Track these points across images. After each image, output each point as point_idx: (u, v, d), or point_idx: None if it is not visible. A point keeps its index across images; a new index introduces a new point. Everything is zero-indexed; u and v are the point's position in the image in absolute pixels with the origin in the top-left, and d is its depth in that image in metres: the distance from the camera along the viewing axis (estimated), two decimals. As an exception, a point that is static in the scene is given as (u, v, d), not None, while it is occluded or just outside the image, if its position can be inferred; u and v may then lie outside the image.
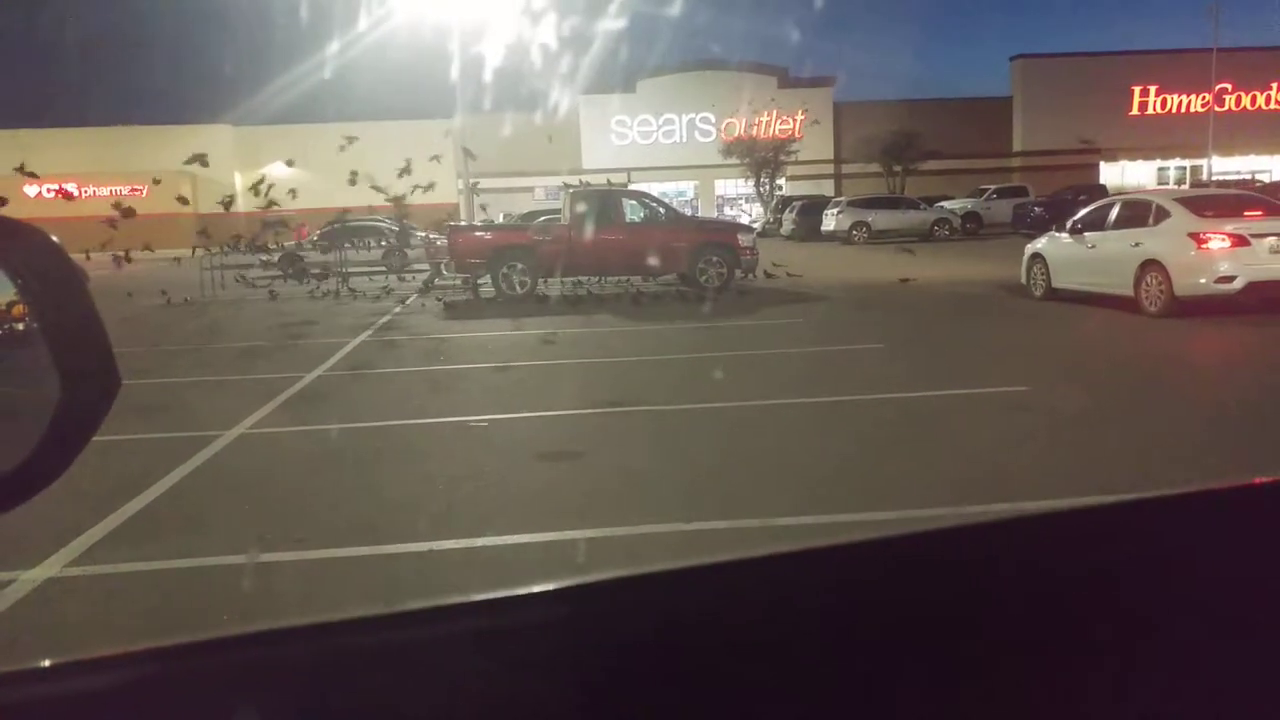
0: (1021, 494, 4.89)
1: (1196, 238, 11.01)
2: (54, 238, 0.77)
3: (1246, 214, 11.43)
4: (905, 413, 7.12)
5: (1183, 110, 48.81)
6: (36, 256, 0.75)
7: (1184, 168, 49.22)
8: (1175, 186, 45.36)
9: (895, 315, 13.33)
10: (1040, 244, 13.94)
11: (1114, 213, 12.46)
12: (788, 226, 35.62)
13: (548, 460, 6.03)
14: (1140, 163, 49.69)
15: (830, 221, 32.44)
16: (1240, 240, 10.86)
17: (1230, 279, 10.84)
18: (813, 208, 34.78)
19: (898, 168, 43.45)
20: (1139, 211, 12.07)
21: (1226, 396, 7.52)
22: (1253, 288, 10.83)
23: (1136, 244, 11.65)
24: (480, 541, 4.44)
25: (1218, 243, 10.91)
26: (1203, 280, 10.96)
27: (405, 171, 16.80)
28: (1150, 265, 11.39)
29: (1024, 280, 14.09)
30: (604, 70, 46.32)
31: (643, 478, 5.56)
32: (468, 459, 6.08)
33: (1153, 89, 49.42)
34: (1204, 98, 45.00)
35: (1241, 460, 5.40)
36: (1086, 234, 12.71)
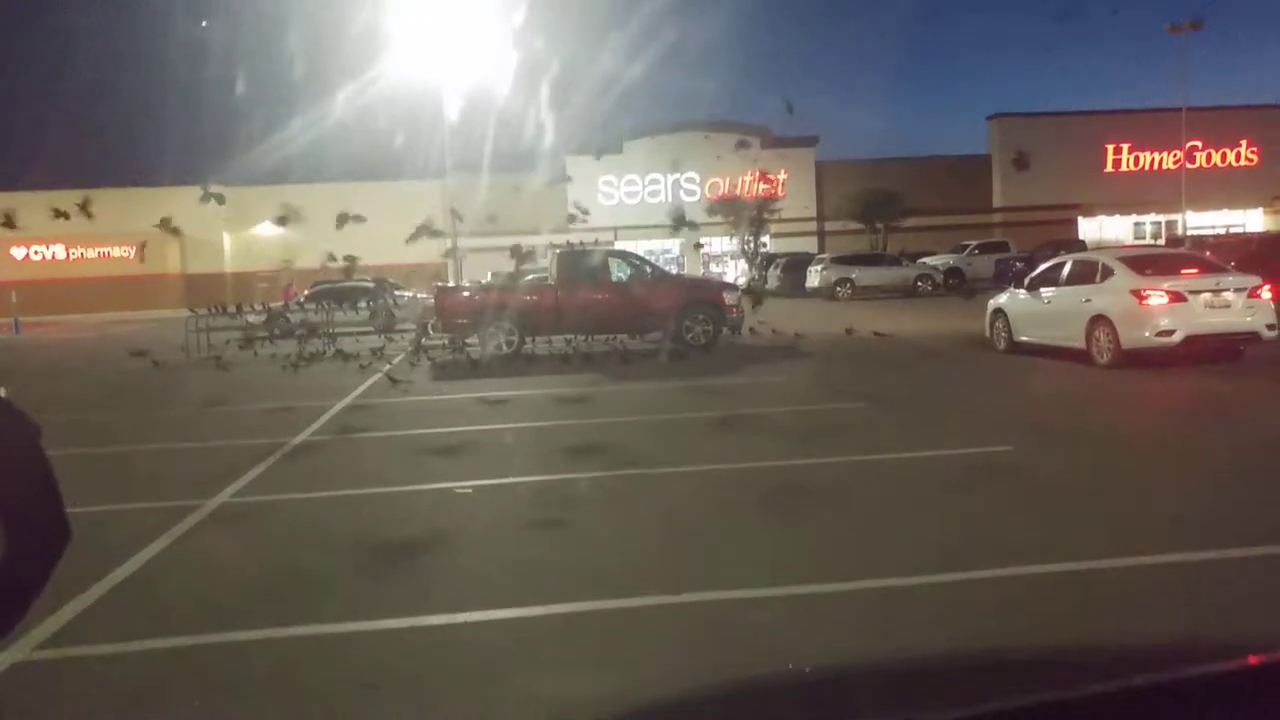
0: (1038, 558, 4.86)
1: (1138, 294, 11.64)
2: (3, 394, 0.77)
3: (1184, 272, 12.09)
4: (902, 476, 7.11)
5: (1156, 167, 49.89)
6: None
7: (1159, 222, 50.08)
8: (1151, 241, 46.13)
9: (875, 371, 13.54)
10: (1002, 300, 14.65)
11: (1066, 270, 13.15)
12: (772, 283, 35.93)
13: (533, 529, 5.97)
14: (1117, 217, 50.57)
15: (814, 278, 32.76)
16: (1177, 296, 11.51)
17: (1170, 333, 11.47)
18: (797, 264, 35.17)
19: (880, 225, 44.01)
20: (1088, 270, 12.71)
21: (1193, 453, 7.55)
22: (1190, 340, 11.47)
23: (1086, 300, 12.33)
24: (461, 617, 4.38)
25: (1157, 299, 11.55)
26: (1145, 334, 11.58)
27: (421, 233, 17.14)
28: (1099, 320, 12.04)
29: (988, 334, 14.79)
30: (591, 132, 47.06)
31: (630, 546, 5.51)
32: (452, 527, 6.03)
33: (1126, 147, 50.59)
34: (1175, 155, 46.01)
35: (1219, 517, 5.42)
36: (1042, 290, 13.40)
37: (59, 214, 21.60)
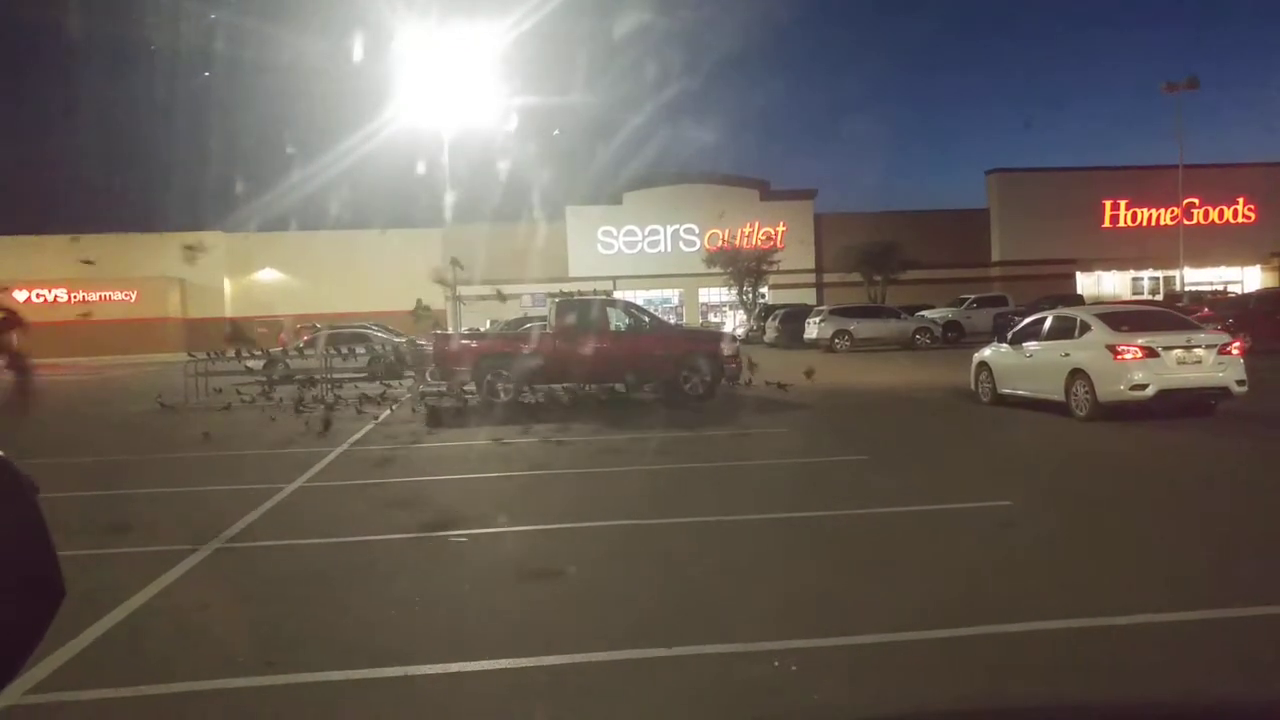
0: (1053, 613, 4.82)
1: (1113, 350, 12.02)
2: (0, 455, 0.76)
3: (1157, 328, 12.55)
4: (906, 530, 7.07)
5: (1153, 223, 50.36)
6: None
7: (1157, 278, 50.44)
8: (1149, 296, 46.40)
9: (871, 423, 13.72)
10: (986, 353, 15.05)
11: (1046, 326, 13.60)
12: (770, 334, 36.01)
13: (529, 580, 5.92)
14: (1115, 273, 50.95)
15: (813, 330, 32.85)
16: (1150, 352, 11.89)
17: (1143, 386, 11.85)
18: (795, 316, 35.26)
19: (878, 277, 44.28)
20: (1066, 325, 13.17)
21: (1184, 508, 7.52)
22: (1162, 395, 11.86)
23: (1065, 354, 12.75)
24: (455, 666, 4.32)
25: (1131, 354, 11.92)
26: (1120, 388, 11.94)
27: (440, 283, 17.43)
28: (1077, 374, 12.44)
29: (973, 386, 15.12)
30: (591, 182, 47.65)
31: (624, 599, 5.46)
32: (447, 576, 5.97)
33: (1123, 203, 51.13)
34: (1173, 211, 46.49)
35: (1213, 574, 5.39)
36: (1024, 344, 13.81)
37: (86, 262, 22.08)
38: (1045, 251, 48.74)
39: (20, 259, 45.65)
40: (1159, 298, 43.74)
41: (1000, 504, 7.50)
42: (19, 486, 0.73)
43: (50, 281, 46.02)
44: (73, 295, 46.41)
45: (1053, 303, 31.41)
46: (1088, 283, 49.67)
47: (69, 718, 3.94)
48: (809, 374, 18.18)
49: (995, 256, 51.23)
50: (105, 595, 5.35)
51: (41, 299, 46.24)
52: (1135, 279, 51.15)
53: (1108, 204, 51.13)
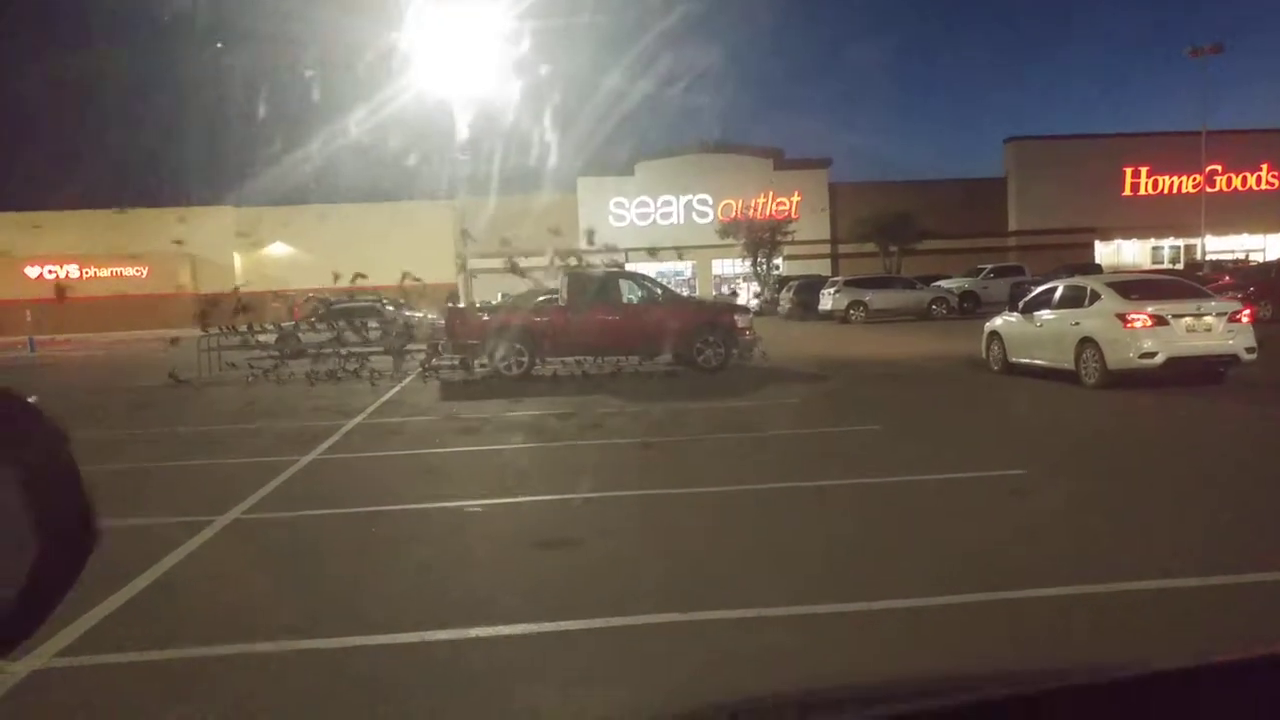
0: (1068, 579, 4.79)
1: (1123, 318, 12.10)
2: (29, 401, 0.77)
3: (1167, 296, 12.59)
4: (921, 498, 7.05)
5: (1175, 191, 49.75)
6: (24, 427, 0.75)
7: (1178, 246, 49.91)
8: (1170, 265, 45.93)
9: (884, 393, 13.73)
10: (997, 323, 15.13)
11: (1057, 295, 13.64)
12: (785, 306, 35.87)
13: (543, 548, 5.93)
14: (1135, 242, 50.42)
15: (828, 301, 32.71)
16: (1159, 320, 11.94)
17: (1152, 355, 11.90)
18: (810, 287, 35.09)
19: (894, 247, 43.98)
20: (1076, 294, 13.19)
21: (1194, 474, 7.46)
22: (1171, 363, 11.90)
23: (1075, 323, 12.81)
24: (473, 632, 4.34)
25: (1140, 322, 11.98)
26: (1130, 356, 12.01)
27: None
28: (1087, 342, 12.52)
29: (984, 355, 15.24)
30: (602, 152, 47.36)
31: (640, 566, 5.46)
32: (463, 545, 6.00)
33: (1144, 170, 50.47)
34: (1195, 179, 45.88)
35: (1229, 540, 5.34)
36: (1034, 314, 13.89)
37: (119, 211, 22.52)
38: (1064, 220, 48.24)
39: (33, 235, 45.92)
40: (1179, 266, 43.29)
41: (1013, 473, 7.46)
42: (52, 432, 0.74)
43: (62, 256, 46.30)
44: (84, 271, 46.73)
45: (1070, 272, 31.18)
46: (1107, 252, 49.21)
47: (95, 680, 3.99)
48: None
49: (1012, 226, 50.77)
50: (125, 565, 5.39)
51: (54, 275, 46.60)
52: (1155, 248, 50.63)
53: (1128, 171, 50.48)
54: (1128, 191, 50.56)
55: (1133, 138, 51.14)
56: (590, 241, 25.60)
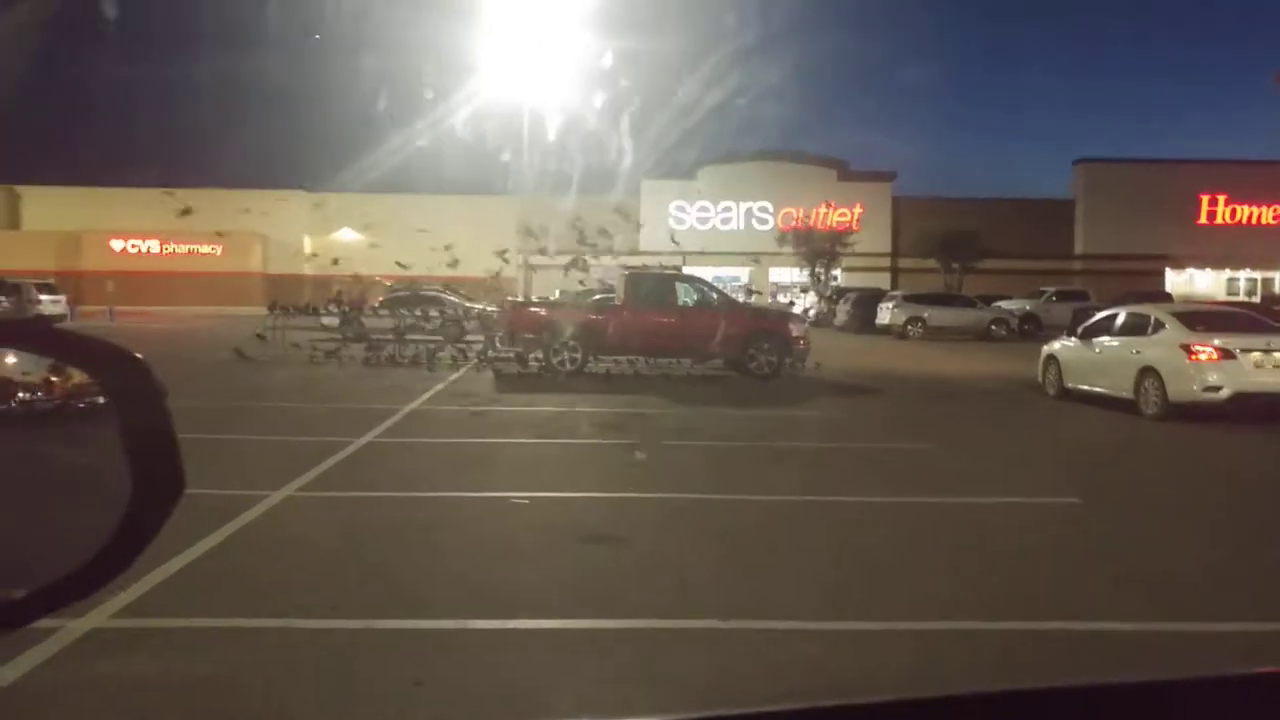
0: (1115, 615, 4.72)
1: (1188, 349, 11.80)
2: (140, 357, 0.84)
3: (1236, 329, 12.35)
4: (971, 521, 6.97)
5: (1253, 221, 48.14)
6: (128, 378, 0.83)
7: (1254, 279, 48.30)
8: (1245, 299, 44.46)
9: (937, 411, 13.67)
10: (1055, 347, 14.92)
11: (1118, 322, 13.50)
12: (841, 317, 35.54)
13: (586, 544, 6.00)
14: (1209, 272, 48.90)
15: (885, 315, 32.31)
16: (1226, 354, 11.61)
17: (1217, 389, 11.55)
18: (867, 300, 34.67)
19: (956, 264, 43.30)
20: (1139, 322, 13.04)
21: (1256, 516, 7.24)
22: (1238, 398, 11.49)
23: (1137, 351, 12.52)
24: (512, 623, 4.42)
25: (1205, 354, 11.67)
26: (1193, 388, 11.68)
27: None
28: (1148, 372, 12.19)
29: (1040, 379, 14.98)
30: (666, 156, 47.40)
31: (681, 570, 5.50)
32: (507, 535, 6.09)
33: (1221, 198, 48.89)
34: (1276, 209, 44.35)
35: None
36: (1094, 340, 13.67)
37: (184, 212, 23.64)
38: (1133, 246, 46.92)
39: (118, 210, 47.52)
40: (1256, 299, 41.90)
41: (1068, 501, 7.32)
42: (154, 385, 0.82)
43: (144, 233, 47.81)
44: (164, 247, 48.19)
45: (1138, 299, 30.37)
46: (1178, 281, 47.74)
47: (148, 642, 4.15)
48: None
49: (1078, 249, 49.59)
50: (180, 534, 5.58)
51: (136, 250, 48.17)
52: (1231, 279, 49.00)
53: (1204, 199, 48.94)
54: (1203, 220, 49.02)
55: (1210, 164, 49.57)
56: (674, 240, 25.69)
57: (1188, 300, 37.34)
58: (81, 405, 0.88)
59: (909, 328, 31.37)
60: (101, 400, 0.85)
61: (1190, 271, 48.58)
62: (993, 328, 31.93)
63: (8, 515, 0.87)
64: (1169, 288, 44.56)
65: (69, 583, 0.80)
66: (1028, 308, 35.63)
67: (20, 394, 0.85)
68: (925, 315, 31.73)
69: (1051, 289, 37.88)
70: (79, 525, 0.85)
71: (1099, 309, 31.73)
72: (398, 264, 20.13)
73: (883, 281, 44.90)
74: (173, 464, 0.82)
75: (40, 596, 0.80)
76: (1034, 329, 33.69)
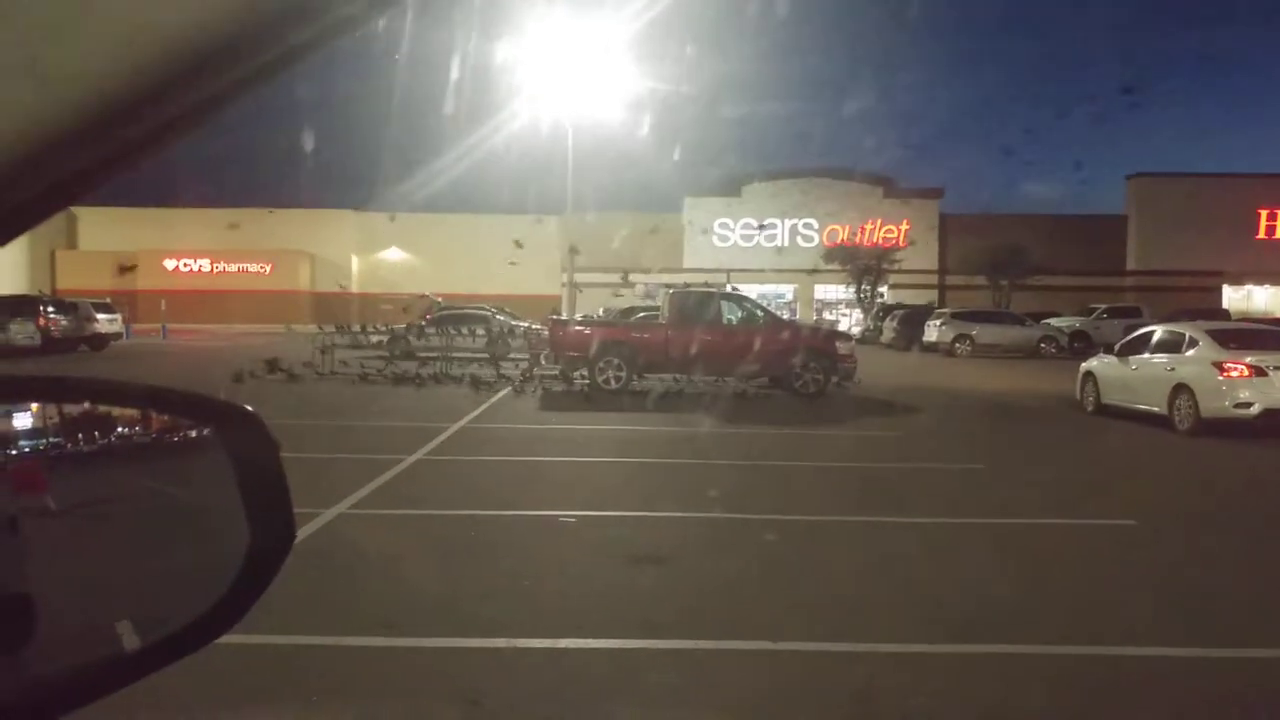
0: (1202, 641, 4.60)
1: (1219, 366, 12.09)
2: (252, 411, 0.86)
3: (1268, 347, 12.48)
4: (1031, 543, 6.84)
5: (1316, 236, 46.82)
6: (246, 435, 0.86)
7: (1316, 295, 46.94)
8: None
9: (983, 429, 13.72)
10: (1092, 364, 15.30)
11: (1154, 339, 13.77)
12: (888, 335, 35.19)
13: (634, 563, 5.98)
14: (1268, 288, 47.61)
15: (933, 333, 31.96)
16: (1258, 371, 11.86)
17: (1248, 405, 11.81)
18: (914, 317, 34.32)
19: (1004, 281, 42.68)
20: (1174, 339, 13.30)
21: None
22: (1268, 414, 11.69)
23: (1171, 368, 12.84)
24: (563, 643, 4.42)
25: (1237, 371, 11.96)
26: (1225, 404, 11.96)
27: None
28: (1181, 388, 12.48)
29: (1078, 395, 15.31)
30: (710, 173, 47.51)
31: (729, 591, 5.46)
32: (556, 554, 6.10)
33: (1280, 213, 47.68)
34: (1338, 224, 43.07)
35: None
36: (1130, 357, 13.98)
37: (232, 226, 24.30)
38: (1187, 262, 45.83)
39: (171, 230, 48.79)
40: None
41: (1124, 523, 7.16)
42: (269, 441, 0.84)
43: (196, 252, 49.02)
44: (215, 266, 49.37)
45: (1193, 317, 29.61)
46: (1236, 297, 46.52)
47: (194, 659, 4.20)
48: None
49: (1131, 265, 48.62)
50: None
51: (188, 269, 49.39)
52: (1291, 295, 47.67)
53: (1263, 214, 47.76)
54: (1261, 234, 47.82)
55: (1268, 178, 48.34)
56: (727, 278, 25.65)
57: (1245, 316, 36.36)
58: (176, 439, 0.90)
59: (957, 345, 30.98)
60: (194, 434, 0.87)
61: (1249, 287, 47.33)
62: (1042, 345, 31.40)
63: (119, 554, 0.89)
64: (1226, 304, 43.43)
65: (186, 633, 0.83)
66: (1077, 325, 34.97)
67: (120, 428, 0.87)
68: (973, 333, 31.33)
69: (1102, 306, 37.14)
70: (188, 566, 0.90)
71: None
72: (459, 283, 20.46)
73: (930, 298, 44.42)
74: (285, 517, 0.84)
75: (158, 648, 0.82)
76: (1084, 346, 33.00)
